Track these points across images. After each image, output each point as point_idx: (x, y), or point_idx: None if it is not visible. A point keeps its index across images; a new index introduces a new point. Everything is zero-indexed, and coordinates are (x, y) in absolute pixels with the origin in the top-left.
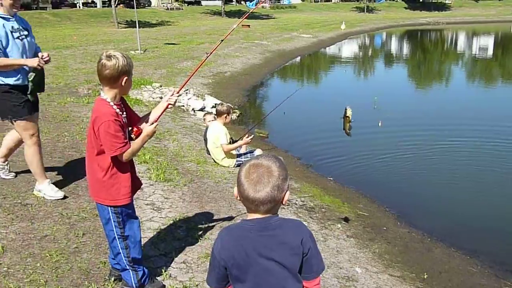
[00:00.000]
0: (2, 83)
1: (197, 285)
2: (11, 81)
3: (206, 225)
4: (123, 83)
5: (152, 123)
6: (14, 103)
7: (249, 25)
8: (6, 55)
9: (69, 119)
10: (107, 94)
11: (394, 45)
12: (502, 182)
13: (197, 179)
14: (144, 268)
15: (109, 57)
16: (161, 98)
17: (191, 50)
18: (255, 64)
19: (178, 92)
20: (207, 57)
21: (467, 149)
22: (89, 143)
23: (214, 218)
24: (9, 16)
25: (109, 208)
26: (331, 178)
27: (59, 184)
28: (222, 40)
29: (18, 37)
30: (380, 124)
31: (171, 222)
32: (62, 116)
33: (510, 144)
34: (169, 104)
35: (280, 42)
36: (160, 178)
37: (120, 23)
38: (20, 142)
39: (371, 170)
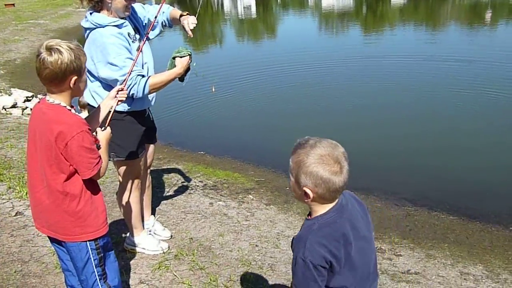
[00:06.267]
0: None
1: None
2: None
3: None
4: (72, 85)
5: (104, 127)
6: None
7: (13, 4)
8: None
9: None
10: (59, 98)
11: None
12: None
13: None
14: None
15: (49, 50)
16: None
17: None
18: None
19: (125, 84)
20: None
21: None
22: (47, 168)
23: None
24: None
25: (87, 244)
26: (203, 152)
27: None
28: None
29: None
30: (213, 90)
31: None
32: None
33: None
34: (120, 100)
35: (58, 19)
36: None
37: None
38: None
39: (235, 135)
